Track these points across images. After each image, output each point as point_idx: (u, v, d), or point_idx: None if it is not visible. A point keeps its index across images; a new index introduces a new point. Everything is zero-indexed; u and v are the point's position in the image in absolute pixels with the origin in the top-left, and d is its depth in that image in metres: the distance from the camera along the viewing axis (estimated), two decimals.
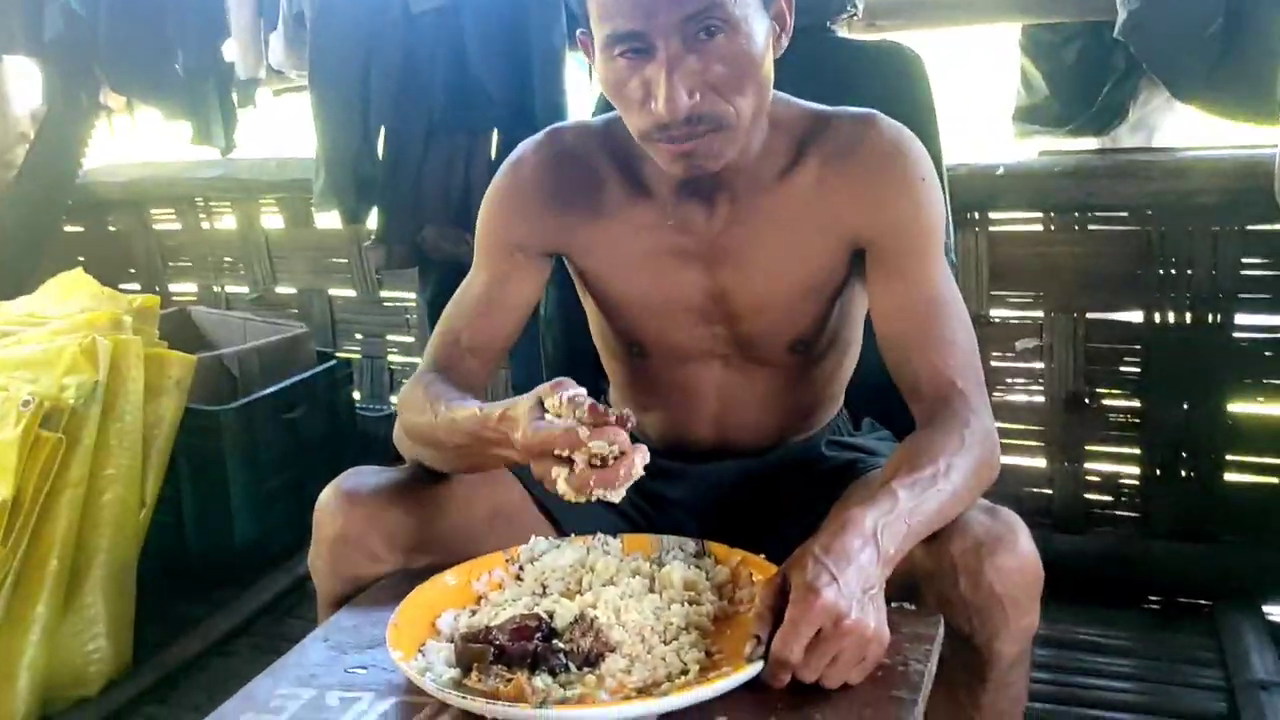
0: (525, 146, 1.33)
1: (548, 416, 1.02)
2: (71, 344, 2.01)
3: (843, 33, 2.02)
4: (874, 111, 1.25)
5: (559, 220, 1.29)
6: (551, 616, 1.03)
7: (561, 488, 0.99)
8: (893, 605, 1.04)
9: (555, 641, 0.99)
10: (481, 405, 1.12)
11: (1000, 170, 2.16)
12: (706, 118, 1.11)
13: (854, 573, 0.96)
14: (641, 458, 0.99)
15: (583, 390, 1.02)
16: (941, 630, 1.05)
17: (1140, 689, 1.91)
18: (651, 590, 1.09)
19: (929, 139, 1.53)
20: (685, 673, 0.97)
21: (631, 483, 0.99)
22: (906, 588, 1.10)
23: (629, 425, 1.00)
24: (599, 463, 0.99)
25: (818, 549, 0.97)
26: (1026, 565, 1.07)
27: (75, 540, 1.96)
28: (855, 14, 2.02)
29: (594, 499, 0.99)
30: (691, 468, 1.37)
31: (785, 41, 1.19)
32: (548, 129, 1.33)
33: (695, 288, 1.27)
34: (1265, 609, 2.09)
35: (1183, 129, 2.26)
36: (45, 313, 2.27)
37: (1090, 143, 2.27)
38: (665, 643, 1.01)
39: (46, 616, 1.91)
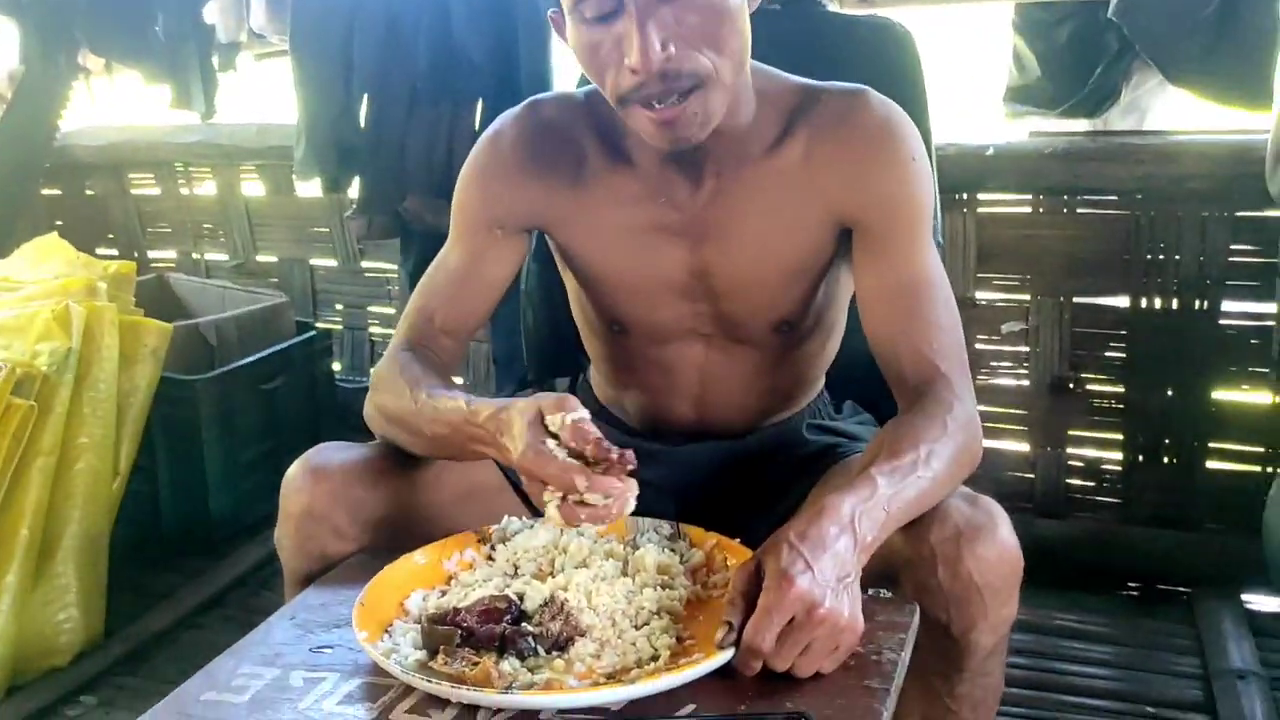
0: (504, 119, 1.30)
1: (549, 443, 1.00)
2: (45, 310, 2.00)
3: (834, 7, 1.99)
4: (864, 87, 1.22)
5: (538, 194, 1.27)
6: (521, 599, 1.01)
7: (550, 513, 0.99)
8: (869, 592, 1.02)
9: (524, 625, 0.97)
10: (469, 400, 1.10)
11: (990, 151, 2.14)
12: (685, 74, 1.08)
13: (829, 560, 0.94)
14: (632, 496, 1.00)
15: (586, 414, 1.02)
16: (917, 619, 1.03)
17: (1117, 675, 1.91)
18: (624, 573, 1.08)
19: (918, 118, 1.49)
20: (656, 658, 0.95)
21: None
22: (884, 575, 1.08)
23: (630, 466, 1.00)
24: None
25: (793, 535, 0.96)
26: (1006, 555, 1.06)
27: (47, 509, 1.94)
28: None
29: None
30: (671, 449, 1.35)
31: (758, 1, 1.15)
32: (527, 101, 1.30)
33: (678, 264, 1.24)
34: (1244, 597, 2.09)
35: (1175, 112, 2.25)
36: (19, 277, 2.24)
37: (1082, 125, 2.25)
38: (636, 627, 0.99)
39: (16, 586, 1.89)
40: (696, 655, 0.94)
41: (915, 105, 1.54)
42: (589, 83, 1.20)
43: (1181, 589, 2.16)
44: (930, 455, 1.06)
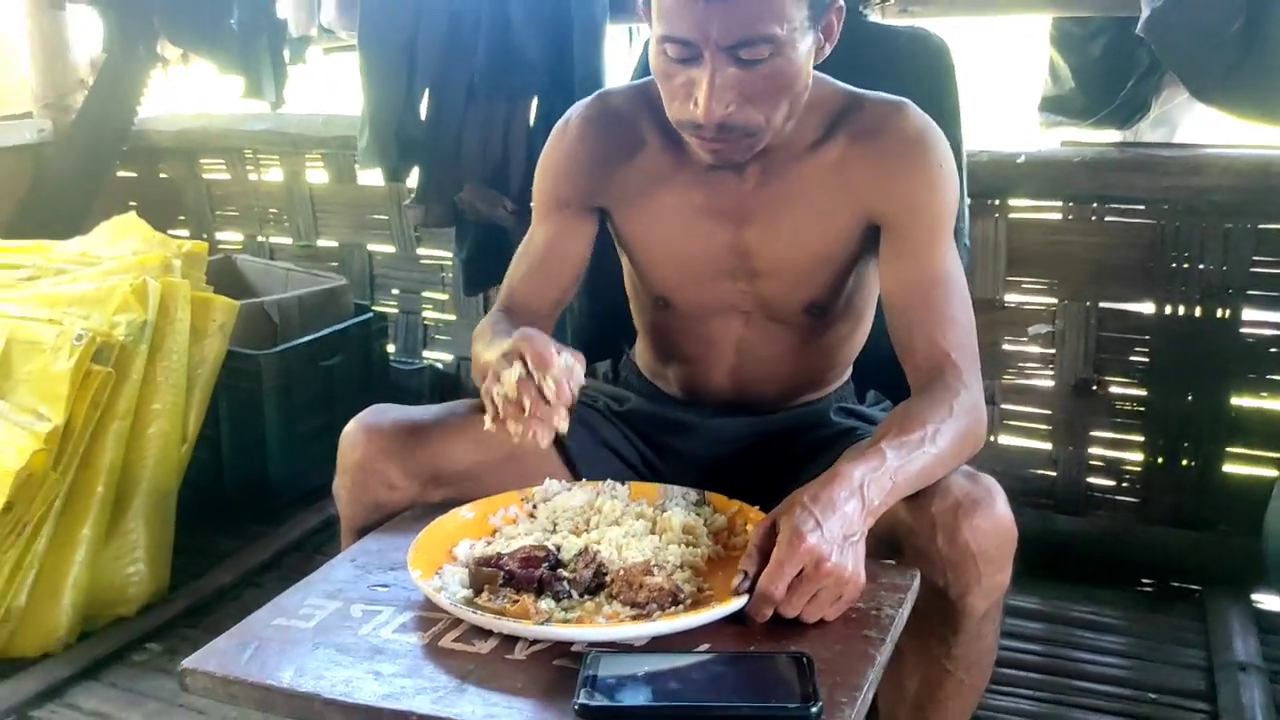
0: (574, 108, 1.44)
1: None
2: (123, 284, 2.12)
3: (875, 18, 2.07)
4: (905, 100, 1.34)
5: (601, 175, 1.40)
6: (559, 549, 1.13)
7: (509, 377, 1.11)
8: (879, 563, 1.13)
9: (560, 570, 1.09)
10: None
11: (1021, 158, 2.21)
12: (737, 128, 1.21)
13: (837, 521, 1.05)
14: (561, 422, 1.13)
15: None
16: (917, 582, 1.13)
17: (1126, 665, 1.99)
18: (652, 532, 1.19)
19: (951, 125, 1.60)
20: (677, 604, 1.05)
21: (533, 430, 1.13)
22: (890, 543, 1.19)
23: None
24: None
25: (806, 497, 1.06)
26: (1001, 526, 1.15)
27: (121, 469, 2.08)
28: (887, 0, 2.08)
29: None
30: (704, 422, 1.46)
31: (828, 50, 1.27)
32: (598, 92, 1.45)
33: (722, 244, 1.36)
34: (1254, 596, 2.15)
35: (1205, 126, 2.30)
36: (99, 253, 2.37)
37: (1113, 135, 2.31)
38: None
39: (91, 539, 2.03)
40: (714, 604, 1.04)
41: (949, 113, 1.63)
42: (647, 73, 1.32)
43: (1194, 587, 2.23)
44: (936, 434, 1.16)
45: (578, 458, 1.40)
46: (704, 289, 1.40)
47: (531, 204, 1.47)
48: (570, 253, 1.43)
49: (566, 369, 1.12)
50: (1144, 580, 2.28)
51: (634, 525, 1.19)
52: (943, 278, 1.30)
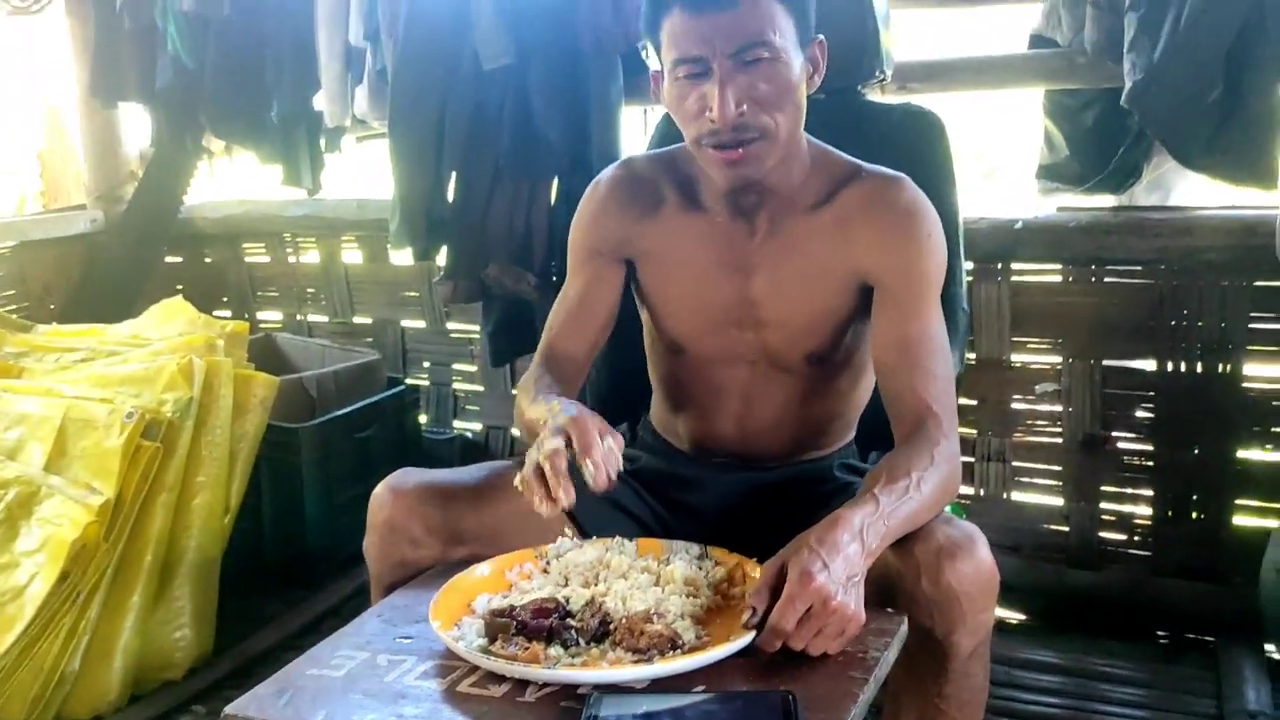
0: (604, 172, 1.59)
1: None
2: (171, 363, 2.25)
3: (875, 95, 2.18)
4: (902, 174, 1.47)
5: (627, 228, 1.54)
6: (568, 601, 1.22)
7: (545, 447, 1.22)
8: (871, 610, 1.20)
9: (569, 620, 1.18)
10: (563, 400, 1.34)
11: (1019, 224, 2.30)
12: (751, 127, 1.34)
13: (841, 562, 1.14)
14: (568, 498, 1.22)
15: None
16: (904, 628, 1.21)
17: (1140, 715, 2.02)
18: (656, 584, 1.27)
19: (945, 195, 1.71)
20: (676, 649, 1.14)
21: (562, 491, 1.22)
22: (884, 589, 1.27)
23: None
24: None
25: (813, 540, 1.16)
26: (981, 568, 1.24)
27: (168, 538, 2.18)
28: (885, 79, 2.19)
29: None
30: (712, 478, 1.55)
31: (817, 82, 1.42)
32: (623, 158, 1.60)
33: (731, 293, 1.48)
34: (1267, 646, 2.18)
35: (1198, 189, 2.37)
36: (148, 335, 2.51)
37: (1109, 201, 2.40)
38: None
39: (140, 605, 2.13)
40: (710, 648, 1.12)
41: (942, 184, 1.73)
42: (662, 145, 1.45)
43: (1207, 638, 2.26)
44: (920, 481, 1.26)
45: (589, 521, 1.49)
46: (714, 337, 1.51)
47: (565, 264, 1.60)
48: (603, 298, 1.56)
49: (608, 451, 1.23)
50: (1158, 632, 2.31)
51: (639, 578, 1.27)
52: (927, 336, 1.41)
